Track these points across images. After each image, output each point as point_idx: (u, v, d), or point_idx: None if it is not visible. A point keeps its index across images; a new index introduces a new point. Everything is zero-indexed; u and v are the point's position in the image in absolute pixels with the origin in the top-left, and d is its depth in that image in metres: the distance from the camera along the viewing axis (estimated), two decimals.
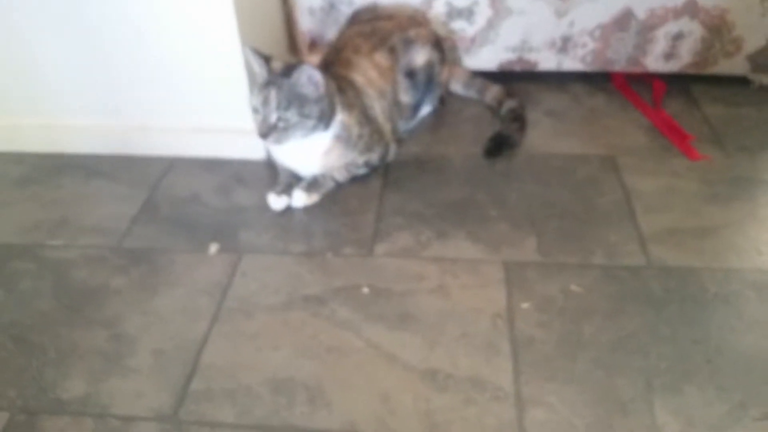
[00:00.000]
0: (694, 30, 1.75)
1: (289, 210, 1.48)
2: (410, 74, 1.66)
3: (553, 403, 1.06)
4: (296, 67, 1.37)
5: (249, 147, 1.62)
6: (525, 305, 1.23)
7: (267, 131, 1.37)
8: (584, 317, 1.20)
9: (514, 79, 1.85)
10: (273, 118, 1.36)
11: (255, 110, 1.38)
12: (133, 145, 1.67)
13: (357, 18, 1.76)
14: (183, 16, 1.46)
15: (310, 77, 1.36)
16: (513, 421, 1.04)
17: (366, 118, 1.54)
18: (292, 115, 1.36)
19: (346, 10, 1.81)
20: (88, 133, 1.67)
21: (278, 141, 1.40)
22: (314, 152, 1.47)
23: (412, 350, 1.16)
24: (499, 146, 1.62)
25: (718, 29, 1.75)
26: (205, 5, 1.43)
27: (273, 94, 1.36)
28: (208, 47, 1.49)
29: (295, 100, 1.36)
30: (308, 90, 1.37)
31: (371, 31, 1.67)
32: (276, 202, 1.47)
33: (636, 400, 1.06)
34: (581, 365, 1.12)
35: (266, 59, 1.38)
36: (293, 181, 1.51)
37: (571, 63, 1.85)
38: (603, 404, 1.05)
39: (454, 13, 1.79)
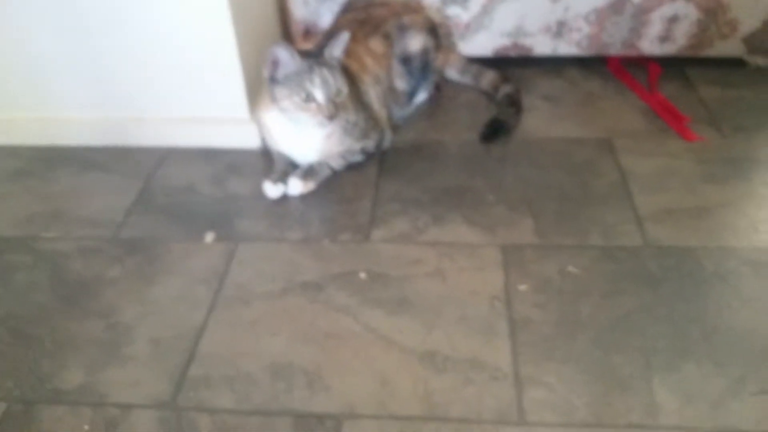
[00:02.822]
0: (689, 13, 1.74)
1: (285, 198, 1.48)
2: (405, 60, 1.66)
3: (552, 383, 1.06)
4: (320, 48, 1.41)
5: (243, 136, 1.62)
6: (522, 287, 1.23)
7: (333, 111, 1.38)
8: (582, 297, 1.20)
9: (509, 64, 1.85)
10: (335, 94, 1.38)
11: (309, 98, 1.37)
12: (127, 137, 1.66)
13: (351, 5, 1.75)
14: (176, 7, 1.45)
15: (332, 54, 1.41)
16: (512, 400, 1.04)
17: (361, 104, 1.53)
18: (344, 87, 1.40)
19: None
20: (82, 126, 1.67)
21: (336, 118, 1.41)
22: (316, 137, 1.47)
23: (410, 333, 1.16)
24: (495, 131, 1.62)
25: (713, 11, 1.74)
26: None
27: (326, 72, 1.37)
28: (202, 37, 1.49)
29: (339, 73, 1.40)
30: (336, 64, 1.41)
31: (365, 17, 1.67)
32: (272, 190, 1.47)
33: (634, 377, 1.06)
34: (579, 345, 1.12)
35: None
36: (289, 169, 1.51)
37: (567, 47, 1.84)
38: (601, 383, 1.05)
39: None
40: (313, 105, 1.38)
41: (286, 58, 1.37)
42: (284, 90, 1.38)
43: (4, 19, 1.51)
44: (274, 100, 1.41)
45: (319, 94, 1.37)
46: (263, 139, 1.59)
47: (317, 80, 1.36)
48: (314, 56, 1.40)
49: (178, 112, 1.62)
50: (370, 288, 1.25)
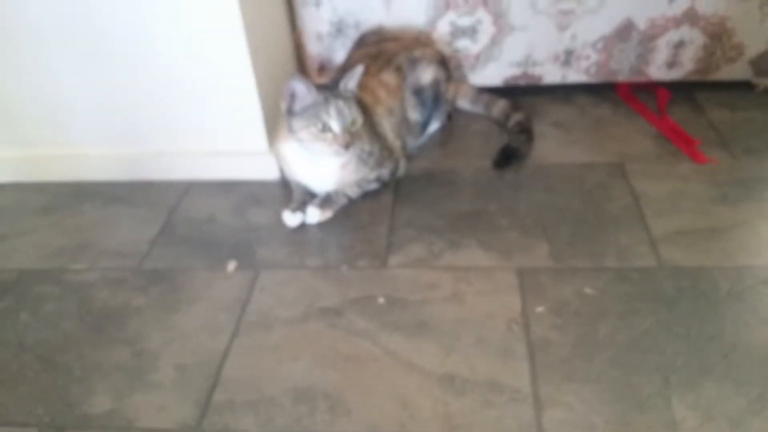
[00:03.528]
0: (695, 38, 1.78)
1: (303, 226, 1.51)
2: (417, 92, 1.71)
3: (571, 403, 1.07)
4: (335, 82, 1.48)
5: (263, 168, 1.66)
6: (539, 309, 1.24)
7: (349, 140, 1.43)
8: (599, 318, 1.21)
9: (519, 93, 1.89)
10: (350, 125, 1.43)
11: (326, 128, 1.41)
12: (150, 171, 1.71)
13: (363, 41, 1.81)
14: (196, 43, 1.51)
15: (347, 87, 1.46)
16: (532, 421, 1.05)
17: (376, 135, 1.58)
18: (359, 118, 1.45)
19: (352, 35, 1.86)
20: (106, 161, 1.72)
21: (351, 147, 1.45)
22: (332, 166, 1.51)
23: (429, 357, 1.17)
24: (507, 158, 1.65)
25: (718, 36, 1.78)
26: (217, 33, 1.48)
27: (341, 104, 1.42)
28: (221, 73, 1.54)
29: (354, 104, 1.45)
30: (351, 96, 1.46)
31: (378, 52, 1.72)
32: (291, 219, 1.50)
33: (653, 396, 1.06)
34: (598, 365, 1.13)
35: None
36: (307, 198, 1.55)
37: (576, 75, 1.88)
38: (621, 402, 1.06)
39: (458, 32, 1.84)
40: (329, 135, 1.42)
41: (303, 90, 1.42)
42: (301, 121, 1.43)
43: (28, 59, 1.58)
44: (291, 131, 1.46)
45: (335, 125, 1.41)
46: (282, 170, 1.64)
47: (333, 111, 1.41)
48: (330, 89, 1.46)
49: (200, 146, 1.67)
50: (388, 312, 1.27)
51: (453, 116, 1.85)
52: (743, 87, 1.86)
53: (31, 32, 1.53)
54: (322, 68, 1.94)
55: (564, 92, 1.92)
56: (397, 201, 1.57)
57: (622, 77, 1.88)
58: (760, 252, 1.32)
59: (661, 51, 1.81)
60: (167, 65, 1.55)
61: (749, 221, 1.41)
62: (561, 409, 1.06)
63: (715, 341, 1.15)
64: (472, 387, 1.11)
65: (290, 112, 1.45)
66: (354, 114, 1.44)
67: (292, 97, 1.43)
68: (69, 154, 1.73)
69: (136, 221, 1.59)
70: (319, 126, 1.41)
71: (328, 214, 1.52)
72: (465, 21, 1.82)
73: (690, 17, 1.75)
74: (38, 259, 1.50)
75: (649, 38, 1.79)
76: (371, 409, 1.09)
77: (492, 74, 1.90)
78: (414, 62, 1.70)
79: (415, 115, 1.72)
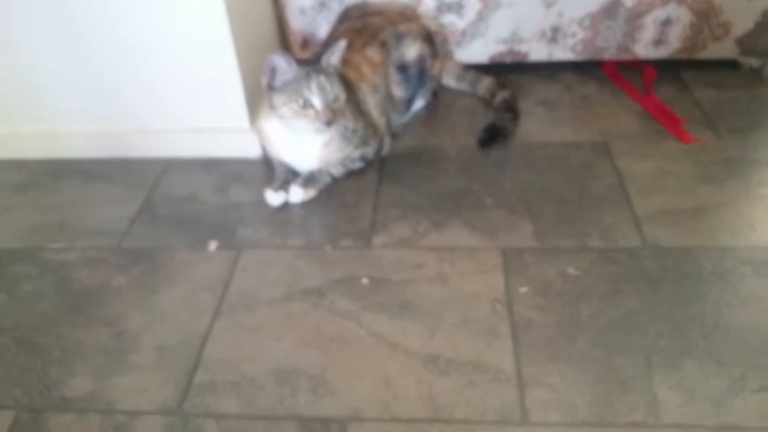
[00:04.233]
0: (682, 15, 1.77)
1: (286, 205, 1.49)
2: (402, 68, 1.68)
3: (554, 383, 1.07)
4: (318, 57, 1.44)
5: (244, 145, 1.64)
6: (523, 289, 1.24)
7: (331, 117, 1.40)
8: (582, 299, 1.21)
9: (505, 70, 1.87)
10: (333, 101, 1.40)
11: (307, 104, 1.39)
12: (130, 148, 1.68)
13: (347, 15, 1.77)
14: (176, 19, 1.47)
15: (329, 62, 1.43)
16: (515, 401, 1.05)
17: (360, 112, 1.55)
18: (342, 94, 1.42)
19: (336, 8, 1.82)
20: (85, 138, 1.69)
21: (334, 124, 1.43)
22: (315, 144, 1.48)
23: (413, 337, 1.17)
24: (493, 136, 1.64)
25: (705, 14, 1.76)
26: (198, 7, 1.44)
27: (323, 79, 1.39)
28: (201, 48, 1.51)
29: (336, 80, 1.42)
30: (333, 71, 1.43)
31: (362, 27, 1.68)
32: (273, 198, 1.48)
33: (636, 377, 1.07)
34: (581, 345, 1.13)
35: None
36: (290, 177, 1.52)
37: (562, 53, 1.86)
38: (603, 382, 1.06)
39: (443, 7, 1.81)
40: (311, 111, 1.39)
41: (284, 65, 1.39)
42: (282, 97, 1.40)
43: (5, 34, 1.53)
44: (272, 107, 1.43)
45: (317, 100, 1.39)
46: (264, 148, 1.61)
47: (314, 87, 1.38)
48: (311, 64, 1.43)
49: (180, 123, 1.64)
50: (372, 293, 1.26)
51: (438, 93, 1.83)
52: (729, 66, 1.85)
53: (10, 9, 1.49)
54: (306, 43, 1.90)
55: (550, 70, 1.90)
56: (381, 180, 1.55)
57: (609, 55, 1.86)
58: (743, 232, 1.33)
59: (648, 29, 1.80)
60: (147, 40, 1.51)
61: (733, 201, 1.41)
62: (544, 390, 1.06)
63: (698, 321, 1.15)
64: (455, 367, 1.11)
65: (271, 88, 1.42)
66: (336, 90, 1.41)
67: (273, 72, 1.40)
68: (47, 131, 1.69)
69: (115, 199, 1.56)
70: (301, 102, 1.39)
71: (311, 193, 1.50)
72: None
73: None
74: (15, 237, 1.46)
75: (636, 15, 1.77)
76: (355, 389, 1.09)
77: (478, 51, 1.87)
78: (399, 37, 1.67)
79: (399, 91, 1.69)
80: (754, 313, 1.16)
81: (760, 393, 1.03)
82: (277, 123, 1.46)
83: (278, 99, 1.41)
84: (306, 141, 1.47)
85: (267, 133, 1.53)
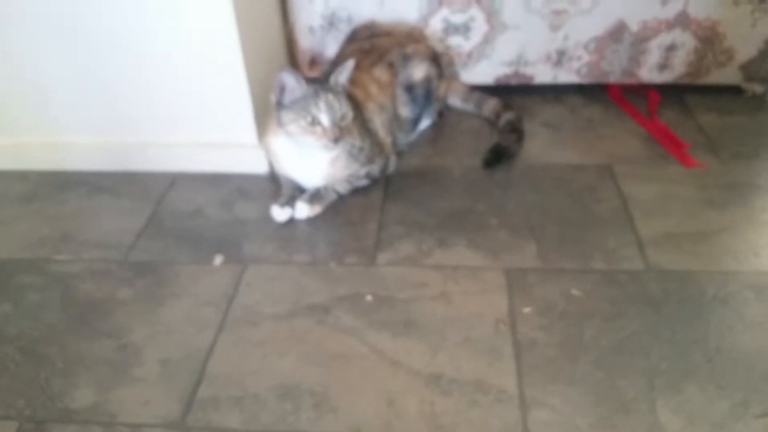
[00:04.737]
0: (686, 41, 1.79)
1: (292, 221, 1.50)
2: (409, 88, 1.70)
3: (556, 404, 1.07)
4: (326, 76, 1.46)
5: (251, 161, 1.65)
6: (526, 310, 1.25)
7: (338, 134, 1.42)
8: (585, 320, 1.22)
9: (510, 92, 1.89)
10: (340, 119, 1.42)
11: (315, 121, 1.40)
12: (136, 162, 1.69)
13: (356, 35, 1.80)
14: (186, 34, 1.49)
15: (337, 81, 1.45)
16: (517, 422, 1.05)
17: (366, 130, 1.57)
18: (349, 112, 1.43)
19: (344, 29, 1.85)
20: (91, 151, 1.70)
21: (341, 141, 1.44)
22: (322, 161, 1.50)
23: (416, 356, 1.17)
24: (497, 157, 1.65)
25: (710, 40, 1.78)
26: (208, 24, 1.46)
27: (331, 97, 1.41)
28: (211, 64, 1.52)
29: (344, 98, 1.44)
30: (341, 90, 1.45)
31: (370, 47, 1.71)
32: (279, 213, 1.49)
33: (638, 399, 1.07)
34: (583, 367, 1.13)
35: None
36: (296, 193, 1.54)
37: (567, 76, 1.88)
38: (605, 404, 1.07)
39: (450, 29, 1.83)
40: (318, 128, 1.41)
41: (293, 83, 1.41)
42: (290, 114, 1.42)
43: (11, 46, 1.55)
44: (280, 124, 1.45)
45: (324, 118, 1.40)
46: (271, 164, 1.62)
47: (322, 104, 1.40)
48: (320, 82, 1.44)
49: (187, 138, 1.65)
50: (376, 310, 1.27)
51: (444, 114, 1.85)
52: (733, 92, 1.87)
53: (17, 19, 1.50)
54: (314, 62, 1.92)
55: (555, 92, 1.92)
56: (386, 198, 1.57)
57: (613, 78, 1.88)
58: (747, 257, 1.33)
59: (653, 53, 1.82)
60: (157, 54, 1.53)
61: (736, 226, 1.42)
62: (546, 411, 1.06)
63: (700, 345, 1.15)
64: (458, 387, 1.11)
65: (280, 105, 1.44)
66: (344, 108, 1.43)
67: (282, 89, 1.42)
68: (53, 143, 1.71)
69: (121, 212, 1.57)
70: (309, 119, 1.40)
71: (317, 209, 1.51)
72: (458, 18, 1.81)
73: (682, 20, 1.76)
74: (20, 248, 1.47)
75: (641, 40, 1.80)
76: (357, 407, 1.09)
77: (484, 73, 1.89)
78: (406, 58, 1.69)
79: (406, 111, 1.71)
80: (757, 338, 1.16)
81: (762, 418, 1.03)
82: (284, 140, 1.48)
83: (287, 116, 1.42)
84: (313, 158, 1.49)
85: (275, 149, 1.54)
